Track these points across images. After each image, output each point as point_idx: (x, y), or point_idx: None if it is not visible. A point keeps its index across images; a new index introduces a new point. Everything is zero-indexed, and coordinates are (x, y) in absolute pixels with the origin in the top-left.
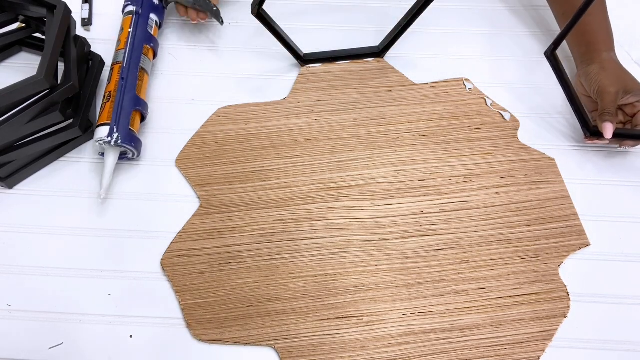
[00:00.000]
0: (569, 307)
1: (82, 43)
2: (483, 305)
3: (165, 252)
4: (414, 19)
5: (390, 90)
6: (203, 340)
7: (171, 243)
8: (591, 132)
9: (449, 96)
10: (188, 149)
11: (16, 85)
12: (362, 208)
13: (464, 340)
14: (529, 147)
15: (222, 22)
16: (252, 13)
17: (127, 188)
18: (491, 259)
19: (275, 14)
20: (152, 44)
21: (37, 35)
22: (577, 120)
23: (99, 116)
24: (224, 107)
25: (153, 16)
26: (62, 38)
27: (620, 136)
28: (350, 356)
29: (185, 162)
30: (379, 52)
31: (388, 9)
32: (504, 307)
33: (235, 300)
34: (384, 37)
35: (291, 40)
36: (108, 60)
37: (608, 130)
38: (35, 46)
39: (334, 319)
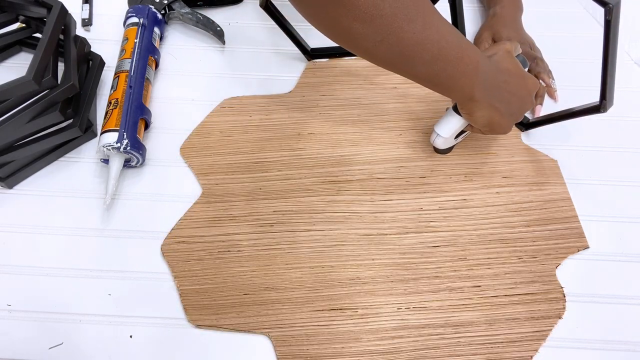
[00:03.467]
0: (564, 308)
1: (82, 43)
2: (478, 303)
3: (165, 238)
4: None
5: (395, 87)
6: (199, 326)
7: (172, 229)
8: None
9: None
10: (192, 138)
11: (4, 85)
12: (362, 202)
13: (457, 337)
14: (532, 148)
15: (224, 42)
16: (260, 5)
17: (127, 188)
18: (488, 258)
19: (282, 7)
20: (155, 56)
21: (37, 35)
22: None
23: (105, 122)
24: (230, 98)
25: (157, 29)
26: (54, 39)
27: None
28: (343, 347)
29: (189, 150)
30: None
31: None
32: (499, 306)
33: (232, 288)
34: None
35: (298, 34)
36: (108, 60)
37: None
38: (35, 46)
39: (328, 310)
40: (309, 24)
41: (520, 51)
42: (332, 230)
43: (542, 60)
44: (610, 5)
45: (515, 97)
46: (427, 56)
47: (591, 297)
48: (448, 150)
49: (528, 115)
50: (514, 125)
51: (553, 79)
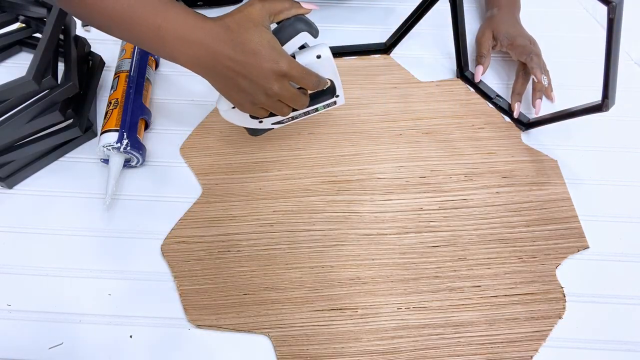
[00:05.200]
0: (564, 308)
1: (82, 43)
2: (478, 303)
3: (165, 238)
4: (419, 18)
5: (396, 87)
6: (199, 326)
7: (172, 229)
8: (462, 76)
9: (454, 95)
10: (193, 138)
11: (4, 85)
12: (362, 202)
13: (457, 337)
14: (532, 148)
15: None
16: None
17: (127, 188)
18: (488, 258)
19: None
20: (155, 56)
21: (37, 35)
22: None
23: (105, 122)
24: None
25: None
26: (54, 39)
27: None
28: (342, 347)
29: (189, 150)
30: (386, 48)
31: (395, 7)
32: (498, 306)
33: (232, 288)
34: (392, 34)
35: None
36: (108, 60)
37: (477, 73)
38: (35, 46)
39: (328, 310)
40: None
41: (295, 14)
42: (332, 230)
43: (537, 56)
44: (614, 4)
45: (240, 76)
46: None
47: (591, 297)
48: (260, 132)
49: (527, 114)
50: (512, 124)
51: (545, 76)
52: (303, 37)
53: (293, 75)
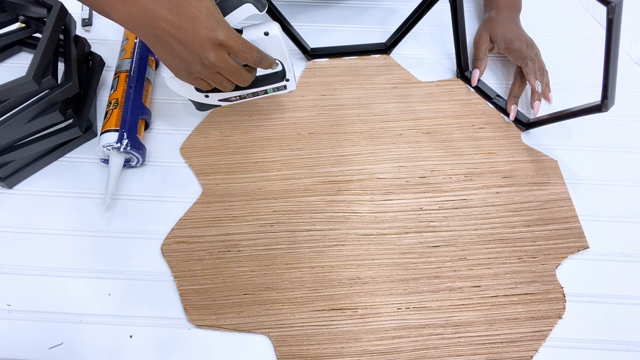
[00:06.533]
0: (564, 308)
1: (82, 43)
2: (478, 303)
3: (165, 238)
4: (419, 18)
5: (396, 87)
6: (199, 326)
7: (172, 229)
8: (462, 76)
9: (454, 95)
10: (192, 138)
11: (4, 85)
12: (362, 202)
13: (457, 337)
14: (532, 148)
15: None
16: None
17: (127, 188)
18: (488, 258)
19: (282, 7)
20: (155, 56)
21: (37, 35)
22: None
23: (105, 122)
24: None
25: None
26: (54, 39)
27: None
28: (343, 347)
29: (189, 150)
30: (386, 48)
31: (396, 7)
32: (498, 306)
33: (232, 288)
34: (392, 34)
35: (298, 34)
36: (108, 60)
37: (473, 77)
38: (35, 46)
39: (328, 310)
40: (310, 24)
41: None
42: (332, 230)
43: (532, 61)
44: (613, 4)
45: (176, 40)
46: None
47: (591, 297)
48: (206, 107)
49: (527, 114)
50: (512, 124)
51: (539, 82)
52: (247, 9)
53: (231, 46)
